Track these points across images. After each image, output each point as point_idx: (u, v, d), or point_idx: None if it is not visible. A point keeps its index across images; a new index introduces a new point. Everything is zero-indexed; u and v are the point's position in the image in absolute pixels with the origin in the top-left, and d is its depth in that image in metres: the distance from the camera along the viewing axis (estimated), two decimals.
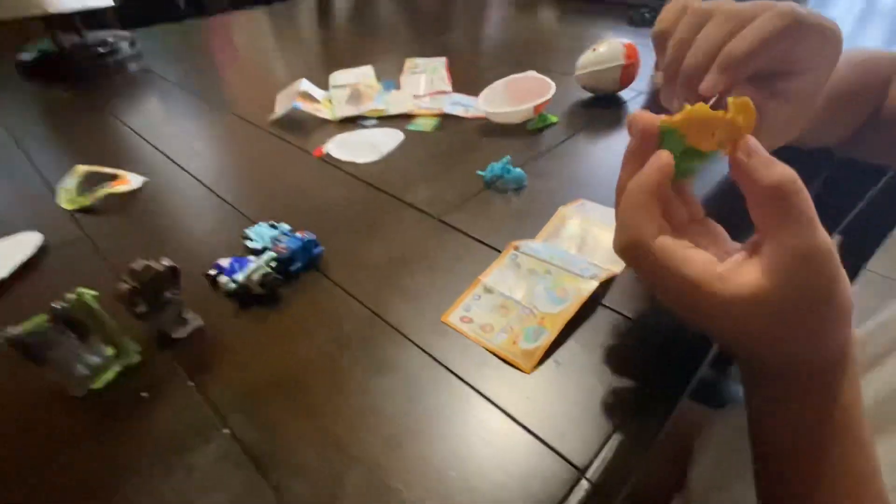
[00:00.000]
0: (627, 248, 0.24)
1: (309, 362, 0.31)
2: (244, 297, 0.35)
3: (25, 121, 0.69)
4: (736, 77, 0.27)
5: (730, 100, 0.23)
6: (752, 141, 0.22)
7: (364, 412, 0.28)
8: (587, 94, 0.65)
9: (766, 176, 0.22)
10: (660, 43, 0.32)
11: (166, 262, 0.32)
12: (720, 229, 0.28)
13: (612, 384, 0.29)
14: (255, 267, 0.35)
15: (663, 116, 0.25)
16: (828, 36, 0.28)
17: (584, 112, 0.61)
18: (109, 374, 0.31)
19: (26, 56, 0.87)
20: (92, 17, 0.92)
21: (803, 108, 0.30)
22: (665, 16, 0.31)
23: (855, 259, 0.97)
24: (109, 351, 0.31)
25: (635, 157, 0.25)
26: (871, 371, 0.35)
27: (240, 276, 0.34)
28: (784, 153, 0.25)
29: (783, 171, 0.21)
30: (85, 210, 0.48)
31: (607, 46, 0.60)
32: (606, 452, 0.25)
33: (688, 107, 0.24)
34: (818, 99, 0.31)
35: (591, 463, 0.25)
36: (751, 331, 0.23)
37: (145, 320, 0.32)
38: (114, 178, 0.52)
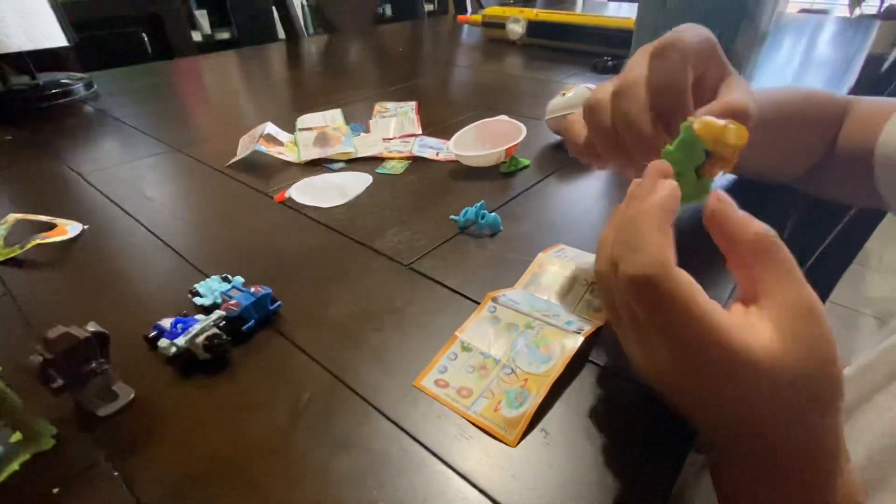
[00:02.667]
0: (643, 275, 0.20)
1: (259, 441, 0.27)
2: (187, 362, 0.31)
3: None
4: (678, 56, 0.26)
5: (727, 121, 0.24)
6: (725, 194, 0.22)
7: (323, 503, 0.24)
8: (556, 138, 0.65)
9: (747, 228, 0.21)
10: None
11: (92, 327, 0.27)
12: None
13: (607, 453, 0.26)
14: (201, 328, 0.31)
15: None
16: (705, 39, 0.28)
17: (555, 155, 0.61)
18: (14, 465, 0.26)
19: None
20: (50, 59, 0.89)
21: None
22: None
23: (820, 293, 0.99)
24: (15, 437, 0.26)
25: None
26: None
27: (181, 340, 0.30)
28: (754, 194, 0.24)
29: (763, 225, 0.21)
30: (11, 263, 0.43)
31: (575, 91, 0.60)
32: None
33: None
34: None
35: None
36: (771, 402, 0.19)
37: (63, 396, 0.27)
38: (50, 226, 0.47)
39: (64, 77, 0.89)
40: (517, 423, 0.26)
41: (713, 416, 0.22)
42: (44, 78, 0.87)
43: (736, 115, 0.26)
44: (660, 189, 0.22)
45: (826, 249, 0.88)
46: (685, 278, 0.20)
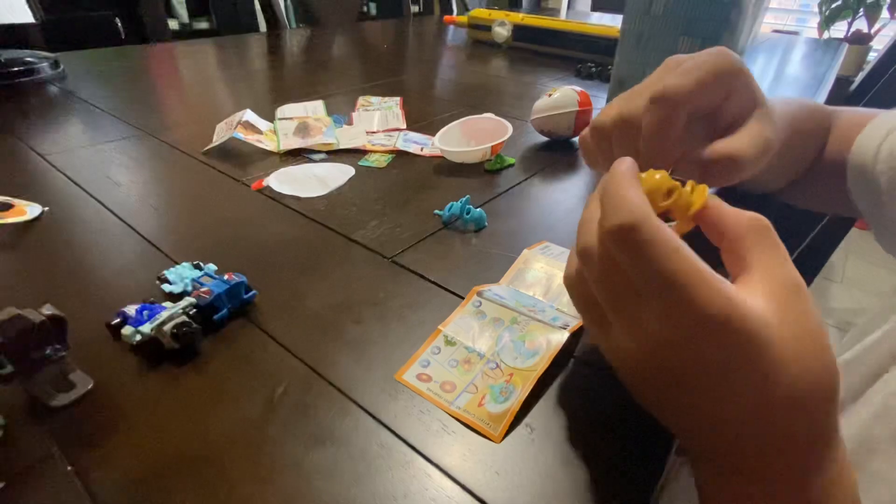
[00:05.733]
0: (624, 223, 0.19)
1: (229, 435, 0.25)
2: (153, 352, 0.29)
3: None
4: (669, 110, 0.26)
5: (690, 182, 0.23)
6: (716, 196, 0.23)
7: (297, 499, 0.22)
8: (541, 139, 0.65)
9: (741, 216, 0.21)
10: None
11: (48, 310, 0.25)
12: None
13: (591, 449, 0.25)
14: (169, 315, 0.29)
15: None
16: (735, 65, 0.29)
17: (540, 155, 0.61)
18: None
19: None
20: (15, 37, 0.84)
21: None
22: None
23: None
24: None
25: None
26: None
27: (147, 327, 0.28)
28: (728, 200, 0.23)
29: (756, 213, 0.21)
30: None
31: (562, 93, 0.60)
32: None
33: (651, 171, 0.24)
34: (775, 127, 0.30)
35: None
36: (756, 373, 0.18)
37: (14, 384, 0.25)
38: (7, 207, 0.44)
39: (28, 55, 0.84)
40: (502, 418, 0.26)
41: (693, 406, 0.20)
42: (5, 54, 0.82)
43: (718, 169, 0.27)
44: (618, 164, 0.22)
45: (794, 262, 0.91)
46: (666, 228, 0.19)
